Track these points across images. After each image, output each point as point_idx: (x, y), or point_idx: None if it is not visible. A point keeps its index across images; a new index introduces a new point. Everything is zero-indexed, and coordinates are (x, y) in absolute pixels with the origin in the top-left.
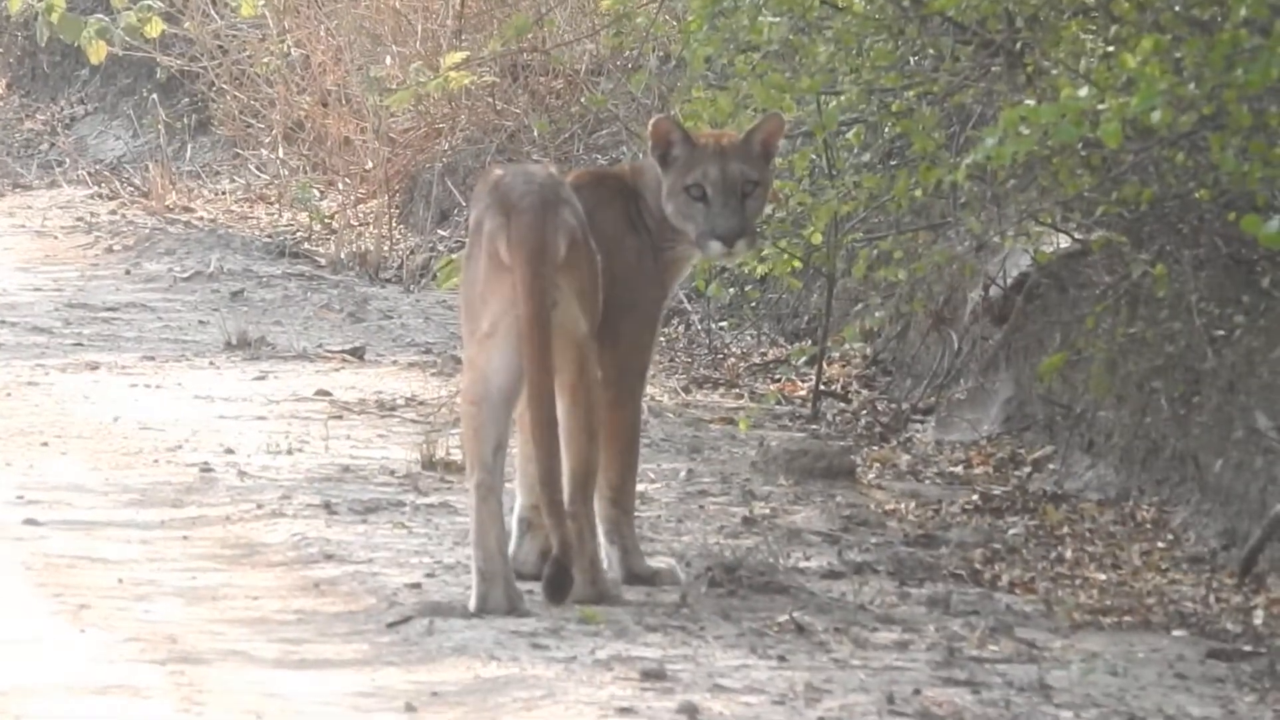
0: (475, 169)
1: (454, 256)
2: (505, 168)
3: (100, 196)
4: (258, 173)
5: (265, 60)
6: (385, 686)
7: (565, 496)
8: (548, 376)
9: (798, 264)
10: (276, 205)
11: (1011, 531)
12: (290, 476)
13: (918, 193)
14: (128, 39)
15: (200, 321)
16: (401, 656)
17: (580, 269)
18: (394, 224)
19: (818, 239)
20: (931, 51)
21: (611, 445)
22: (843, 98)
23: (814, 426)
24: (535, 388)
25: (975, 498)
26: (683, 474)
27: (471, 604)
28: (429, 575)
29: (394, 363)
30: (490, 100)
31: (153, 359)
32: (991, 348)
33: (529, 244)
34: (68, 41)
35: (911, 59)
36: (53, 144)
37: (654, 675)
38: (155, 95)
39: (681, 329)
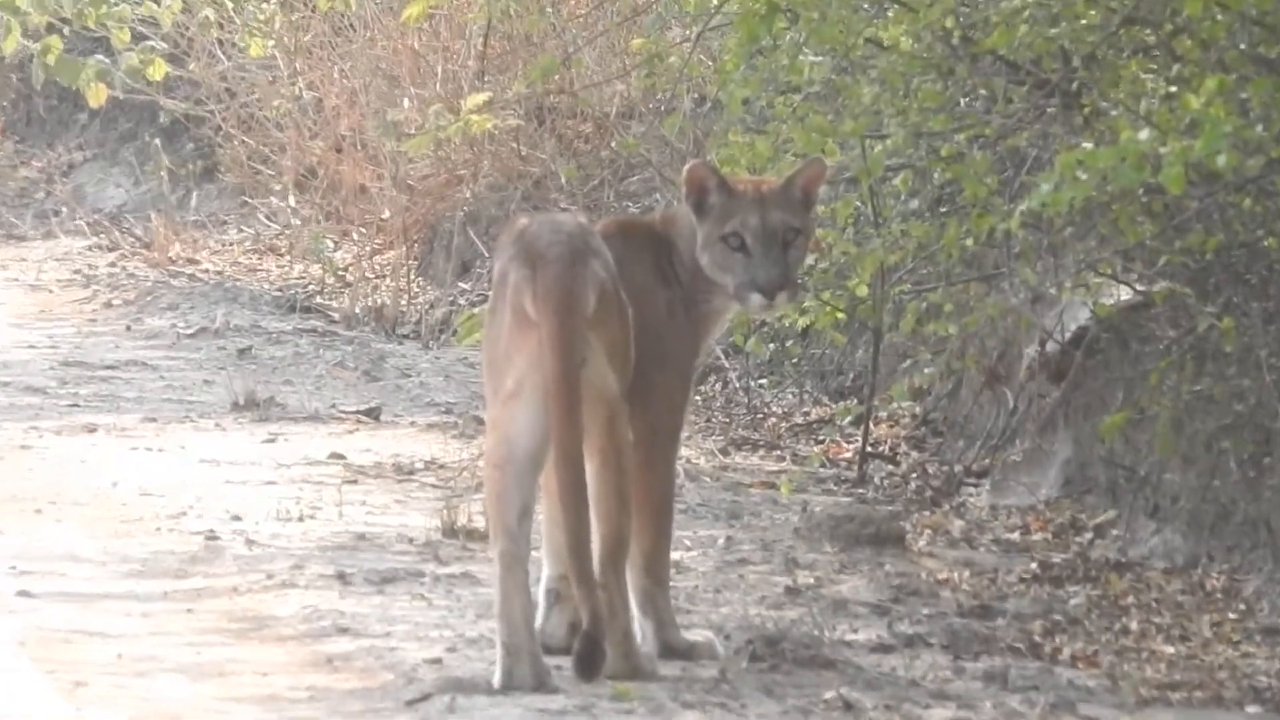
0: (498, 218)
1: (475, 311)
2: (531, 216)
3: (99, 248)
4: (267, 222)
5: (275, 103)
6: None
7: (595, 566)
8: (577, 438)
9: (842, 317)
10: (287, 257)
11: (1073, 602)
12: (302, 545)
13: (969, 242)
14: (129, 81)
15: (205, 381)
16: None
17: (611, 324)
18: (412, 276)
19: (863, 291)
20: (983, 92)
21: (644, 511)
22: (889, 141)
23: (860, 490)
24: (563, 450)
25: (1034, 566)
26: (721, 541)
27: (496, 680)
28: (450, 650)
29: (412, 424)
30: (514, 145)
31: (154, 420)
32: (1049, 406)
33: (557, 297)
34: (65, 84)
35: (962, 100)
36: (49, 192)
37: None
38: (158, 140)
39: (719, 387)
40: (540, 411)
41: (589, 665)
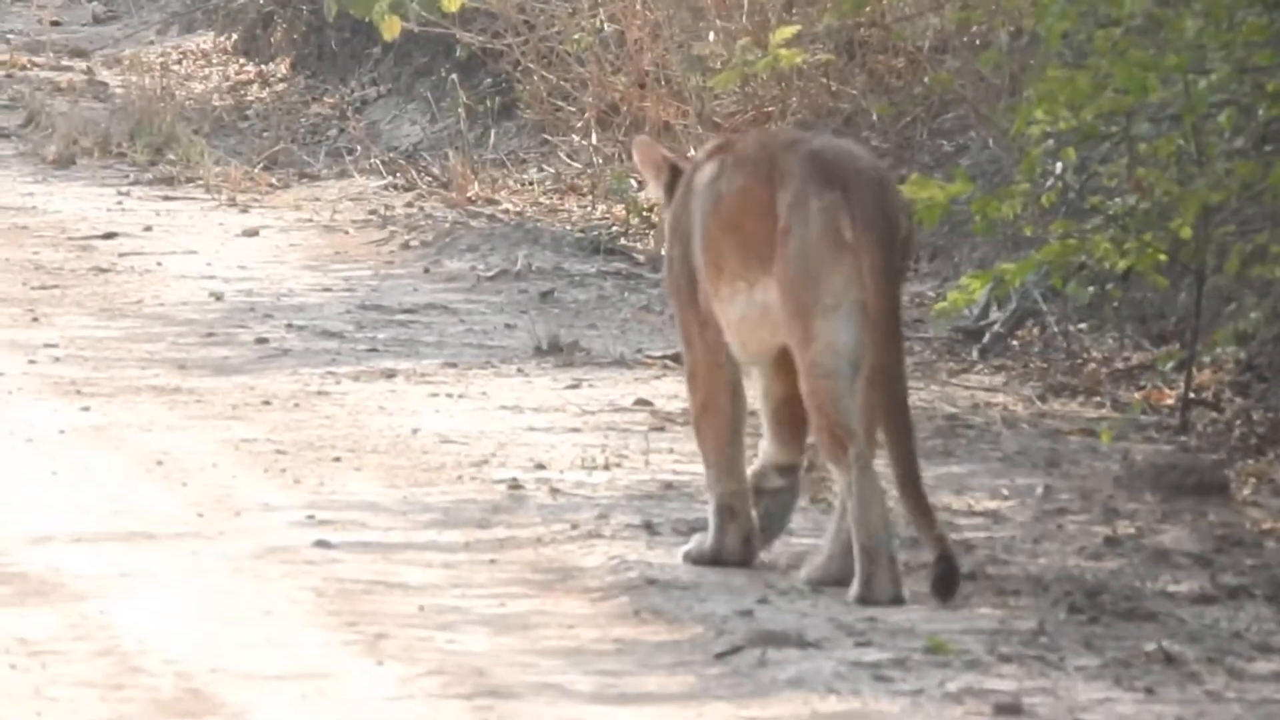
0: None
1: None
2: (807, 138)
3: (395, 187)
4: (568, 161)
5: (576, 37)
6: None
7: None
8: (901, 359)
9: (1164, 259)
10: (590, 197)
11: None
12: (607, 494)
13: None
14: (424, 14)
15: (507, 325)
16: (731, 690)
17: (910, 249)
18: None
19: (1186, 232)
20: None
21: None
22: (1213, 77)
23: (1183, 438)
24: (891, 372)
25: None
26: (1039, 490)
27: (854, 590)
28: (761, 601)
29: None
30: (824, 80)
31: (455, 366)
32: None
33: (878, 224)
34: (358, 17)
35: None
36: (342, 130)
37: (1009, 710)
38: (455, 76)
39: (1036, 331)
40: (860, 323)
41: (946, 586)
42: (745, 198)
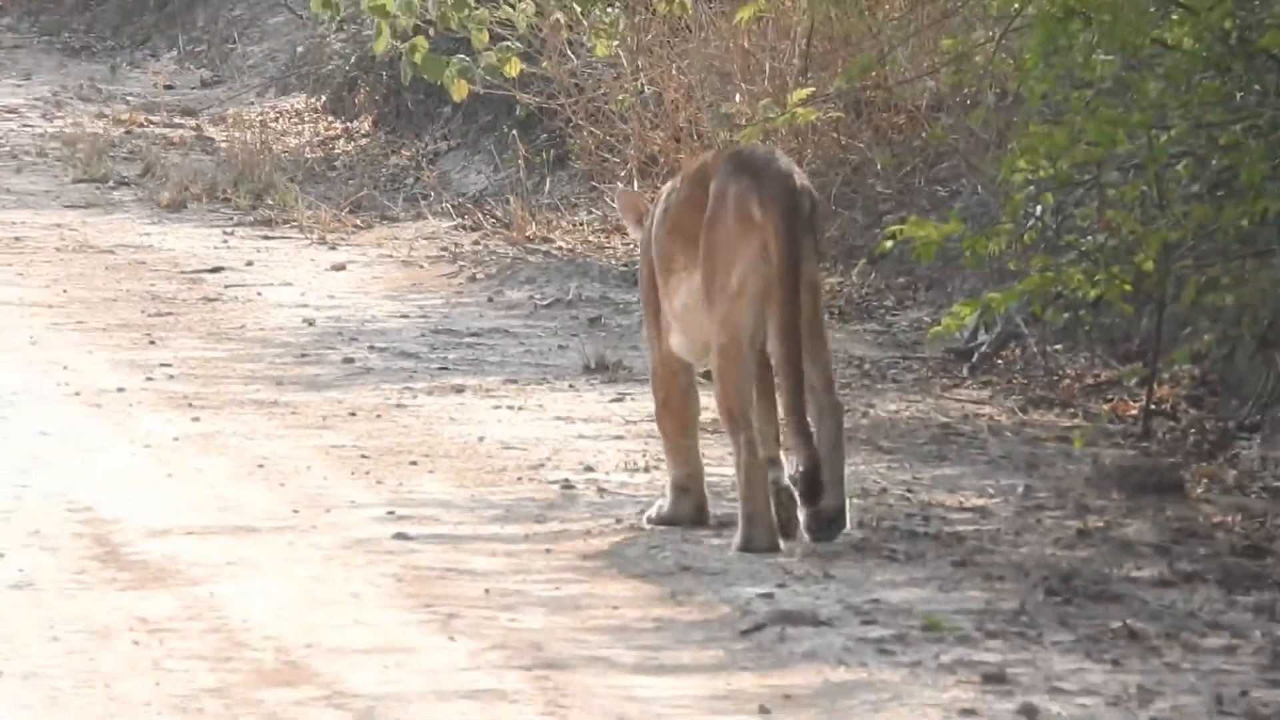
0: (822, 201)
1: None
2: (731, 147)
3: (463, 228)
4: (613, 205)
5: (620, 98)
6: (740, 690)
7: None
8: (796, 318)
9: (1129, 289)
10: (630, 236)
11: None
12: (647, 493)
13: (1244, 222)
14: (488, 78)
15: (560, 346)
16: (755, 662)
17: (817, 226)
18: None
19: (1149, 266)
20: (1257, 87)
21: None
22: (1172, 132)
23: (1145, 444)
24: (786, 327)
25: None
26: (1020, 489)
27: (736, 543)
28: (780, 585)
29: None
30: (835, 135)
31: (515, 382)
32: None
33: (782, 200)
34: (431, 81)
35: (1238, 94)
36: (418, 178)
37: (995, 679)
38: (515, 131)
39: (1018, 352)
40: (761, 306)
41: (813, 493)
42: (687, 201)
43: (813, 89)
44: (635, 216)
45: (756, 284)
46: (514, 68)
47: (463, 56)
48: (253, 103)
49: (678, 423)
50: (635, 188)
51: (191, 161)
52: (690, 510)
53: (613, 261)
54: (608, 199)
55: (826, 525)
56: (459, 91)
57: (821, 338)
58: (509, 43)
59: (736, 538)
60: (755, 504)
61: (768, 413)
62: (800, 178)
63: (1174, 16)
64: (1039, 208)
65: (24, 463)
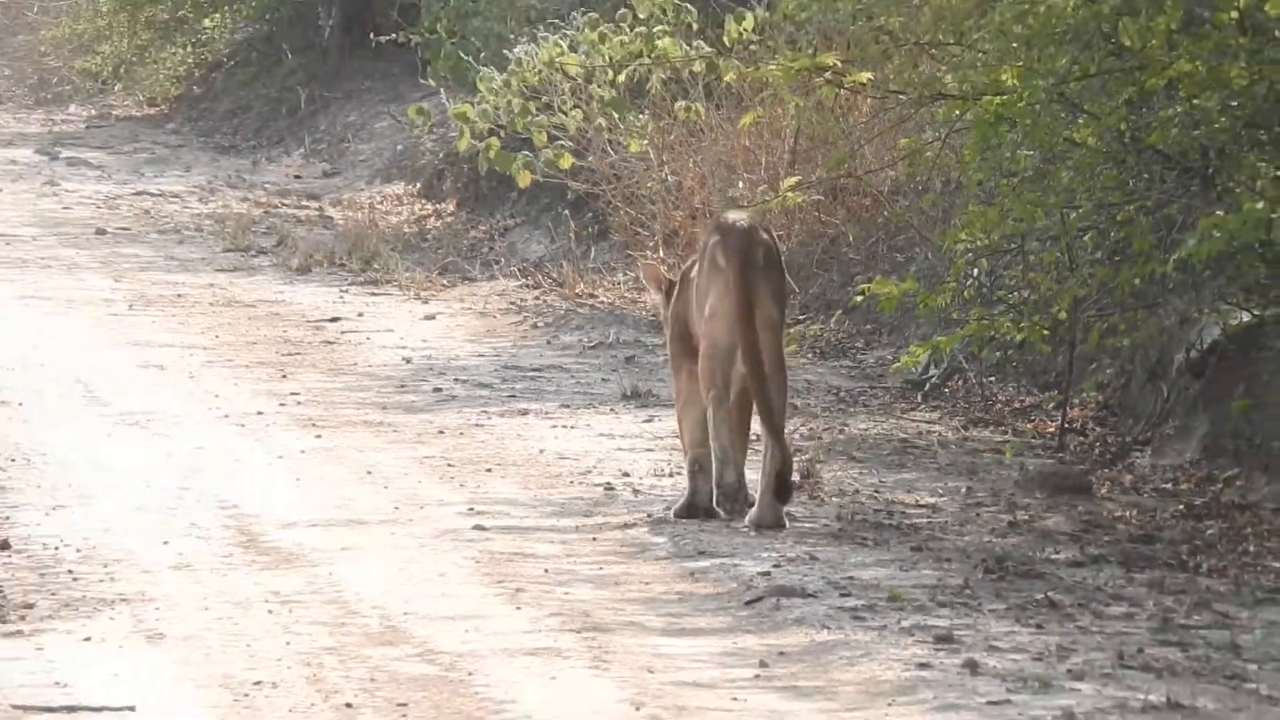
0: (806, 266)
1: (793, 329)
2: (719, 216)
3: (527, 286)
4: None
5: (649, 185)
6: (744, 649)
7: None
8: (754, 340)
9: (1047, 333)
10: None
11: (1209, 532)
12: (672, 493)
13: (1137, 280)
14: (546, 169)
15: (603, 379)
16: (756, 626)
17: (771, 273)
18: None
19: (1062, 315)
20: (1146, 175)
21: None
22: (1080, 210)
23: (1060, 454)
24: (746, 349)
25: (1181, 507)
26: (963, 490)
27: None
28: (775, 566)
29: None
30: (816, 214)
31: (568, 407)
32: (1192, 395)
33: (739, 252)
34: (502, 171)
35: (1131, 181)
36: (491, 247)
37: (944, 639)
38: (567, 211)
39: (961, 382)
40: (729, 323)
41: (785, 491)
42: (699, 257)
43: (799, 177)
44: (655, 283)
45: (723, 311)
46: (566, 161)
47: (526, 153)
48: (363, 189)
49: (693, 421)
50: (660, 255)
51: (315, 235)
52: (706, 492)
53: (644, 313)
54: (638, 265)
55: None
56: (523, 180)
57: (776, 364)
58: (563, 142)
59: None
60: (720, 451)
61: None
62: (761, 234)
63: (1080, 120)
64: (976, 270)
65: (184, 471)
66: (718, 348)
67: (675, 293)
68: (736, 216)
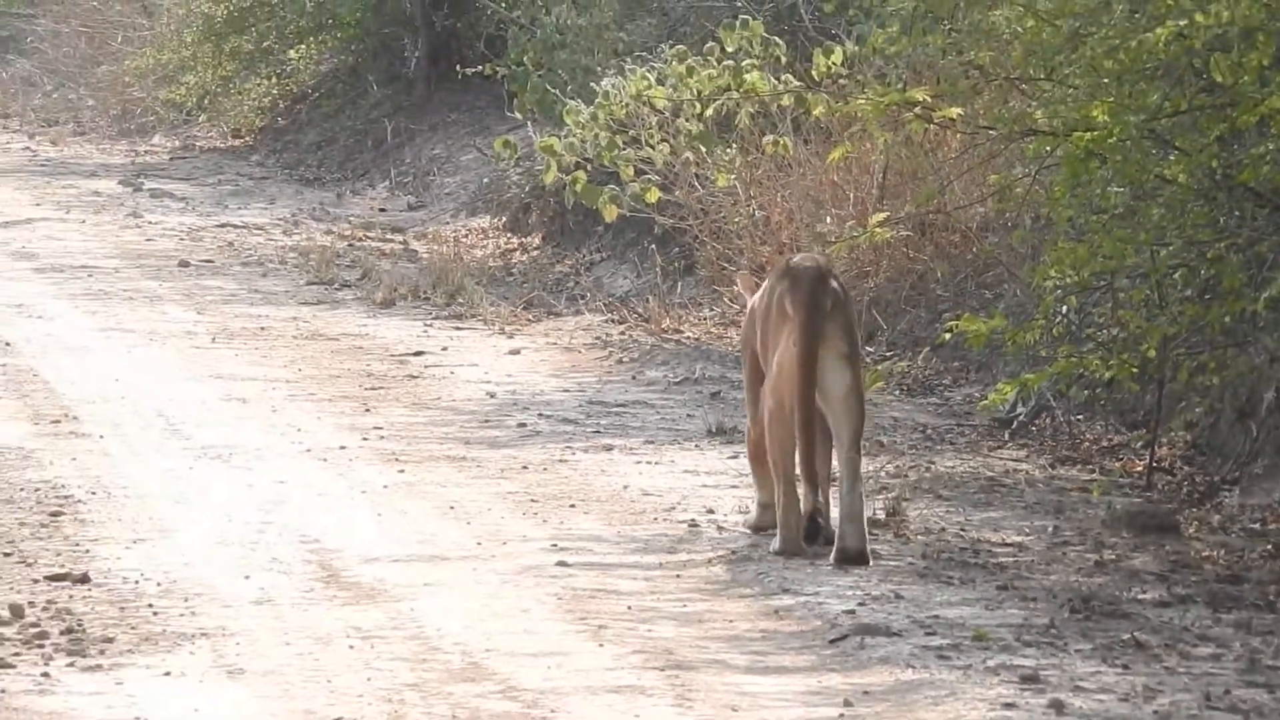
0: (894, 302)
1: (879, 367)
2: (792, 258)
3: (612, 321)
4: (730, 304)
5: (736, 220)
6: (829, 687)
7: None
8: (810, 392)
9: (1136, 371)
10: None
11: None
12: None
13: (1227, 318)
14: (633, 203)
15: (688, 415)
16: (840, 665)
17: (839, 315)
18: None
19: (1152, 353)
20: (1237, 213)
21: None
22: (1170, 248)
23: (1148, 493)
24: (802, 398)
25: (1269, 547)
26: (1049, 529)
27: (775, 545)
28: (860, 604)
29: None
30: (905, 250)
31: (653, 443)
32: None
33: (805, 300)
34: (588, 205)
35: (1221, 219)
36: (577, 282)
37: (1030, 679)
38: (653, 245)
39: (1049, 420)
40: (791, 383)
41: (813, 534)
42: (767, 297)
43: (887, 213)
44: (751, 293)
45: (790, 364)
46: (653, 195)
47: (613, 186)
48: (448, 223)
49: (764, 461)
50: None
51: (400, 268)
52: (769, 522)
53: (730, 348)
54: (725, 299)
55: (851, 560)
56: (610, 214)
57: (852, 400)
58: (649, 176)
59: (774, 544)
60: (788, 528)
61: (824, 454)
62: (830, 279)
63: (1171, 157)
64: (1065, 307)
65: (267, 505)
66: (785, 409)
67: (745, 320)
68: (804, 259)
